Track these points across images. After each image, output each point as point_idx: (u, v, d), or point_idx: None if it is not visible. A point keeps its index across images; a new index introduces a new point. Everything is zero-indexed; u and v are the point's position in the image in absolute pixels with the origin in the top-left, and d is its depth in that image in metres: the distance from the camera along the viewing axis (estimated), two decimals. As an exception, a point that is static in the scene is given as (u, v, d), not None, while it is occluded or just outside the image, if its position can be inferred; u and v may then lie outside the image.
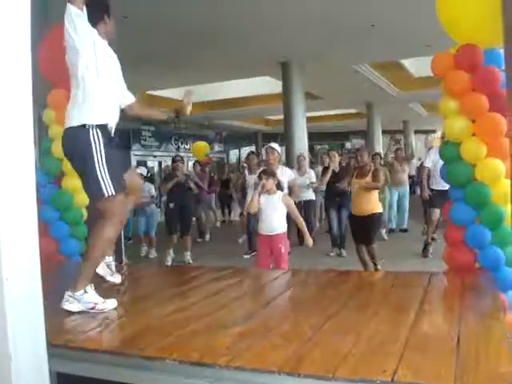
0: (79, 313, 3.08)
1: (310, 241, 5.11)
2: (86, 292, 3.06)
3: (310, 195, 9.87)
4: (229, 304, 3.30)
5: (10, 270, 1.75)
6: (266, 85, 16.99)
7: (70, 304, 3.03)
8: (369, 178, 6.28)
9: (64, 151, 3.18)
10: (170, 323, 2.84)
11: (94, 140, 2.99)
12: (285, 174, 6.45)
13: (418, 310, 2.91)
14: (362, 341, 2.39)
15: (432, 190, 8.32)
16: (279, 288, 3.88)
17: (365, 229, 6.34)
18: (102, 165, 2.99)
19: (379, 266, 6.50)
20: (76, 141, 3.03)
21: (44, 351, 1.93)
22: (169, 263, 8.27)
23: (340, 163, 9.24)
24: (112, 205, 3.04)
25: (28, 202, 1.89)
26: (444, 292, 3.73)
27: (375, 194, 6.33)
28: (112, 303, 3.16)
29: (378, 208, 6.37)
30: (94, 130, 3.00)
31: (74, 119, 3.03)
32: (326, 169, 9.27)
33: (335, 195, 8.49)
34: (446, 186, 7.46)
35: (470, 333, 2.50)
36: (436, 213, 7.99)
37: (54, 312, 2.92)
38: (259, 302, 3.33)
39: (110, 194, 3.00)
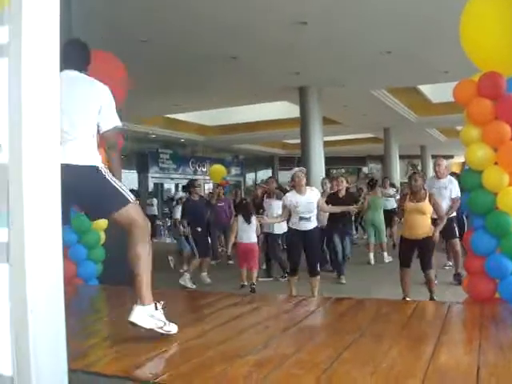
0: (96, 335, 3.09)
1: None
2: (156, 308, 2.98)
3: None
4: (245, 331, 3.28)
5: (34, 301, 1.76)
6: (284, 109, 17.11)
7: (142, 319, 2.91)
8: (427, 203, 6.18)
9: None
10: (186, 350, 2.83)
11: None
12: (313, 194, 6.50)
13: (437, 341, 2.86)
14: (379, 372, 2.35)
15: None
16: (295, 315, 3.84)
17: (421, 253, 6.27)
18: (111, 176, 3.05)
19: (435, 296, 6.21)
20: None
21: (65, 378, 1.93)
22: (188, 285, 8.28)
23: (347, 189, 9.01)
24: (137, 209, 3.08)
25: (54, 230, 1.90)
26: (463, 322, 3.67)
27: (429, 217, 6.26)
28: (174, 328, 3.06)
29: (431, 231, 6.19)
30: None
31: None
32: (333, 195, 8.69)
33: (338, 222, 8.45)
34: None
35: (490, 365, 2.45)
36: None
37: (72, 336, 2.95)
38: (275, 330, 3.30)
39: (133, 199, 3.04)
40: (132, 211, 3.03)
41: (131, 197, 3.04)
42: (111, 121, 3.12)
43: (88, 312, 4.23)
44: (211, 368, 2.49)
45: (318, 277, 6.47)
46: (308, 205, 6.31)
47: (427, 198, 6.17)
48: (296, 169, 6.66)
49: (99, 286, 5.46)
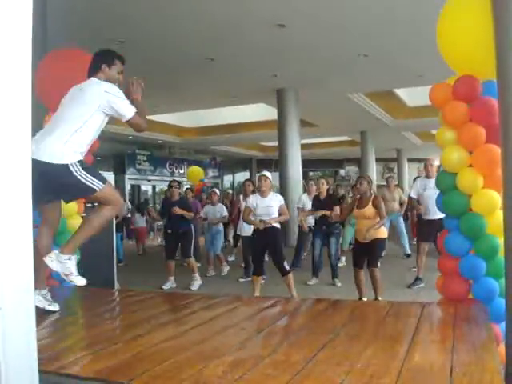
0: (70, 337, 3.05)
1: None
2: (69, 259, 3.47)
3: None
4: (221, 332, 3.27)
5: (3, 300, 1.73)
6: (261, 111, 17.12)
7: (52, 262, 3.44)
8: (370, 208, 6.38)
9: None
10: (162, 351, 2.81)
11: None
12: (275, 200, 6.74)
13: (411, 341, 2.89)
14: (354, 372, 2.36)
15: (419, 219, 8.09)
16: (272, 316, 3.85)
17: (368, 254, 6.46)
18: (80, 171, 3.33)
19: (380, 297, 6.42)
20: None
21: (36, 379, 1.90)
22: (166, 288, 8.32)
23: (328, 191, 9.07)
24: (109, 192, 3.50)
25: (24, 229, 1.86)
26: (437, 322, 3.70)
27: (375, 220, 6.38)
28: (82, 281, 3.53)
29: (380, 234, 6.47)
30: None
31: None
32: (316, 198, 8.86)
33: (322, 224, 8.52)
34: (438, 216, 7.42)
35: (463, 364, 2.47)
36: (423, 246, 7.83)
37: (44, 338, 2.92)
38: (252, 331, 3.30)
39: (100, 186, 3.37)
40: (104, 197, 3.46)
41: (98, 184, 3.37)
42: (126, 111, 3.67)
43: (62, 314, 4.17)
44: (187, 369, 2.47)
45: (290, 275, 6.59)
46: (267, 208, 6.59)
47: (370, 203, 6.33)
48: (263, 172, 6.90)
49: (74, 287, 5.38)
